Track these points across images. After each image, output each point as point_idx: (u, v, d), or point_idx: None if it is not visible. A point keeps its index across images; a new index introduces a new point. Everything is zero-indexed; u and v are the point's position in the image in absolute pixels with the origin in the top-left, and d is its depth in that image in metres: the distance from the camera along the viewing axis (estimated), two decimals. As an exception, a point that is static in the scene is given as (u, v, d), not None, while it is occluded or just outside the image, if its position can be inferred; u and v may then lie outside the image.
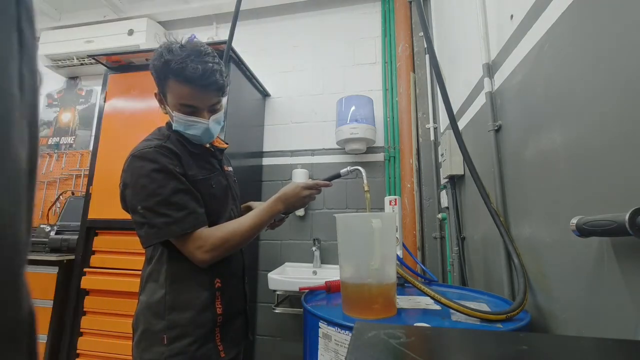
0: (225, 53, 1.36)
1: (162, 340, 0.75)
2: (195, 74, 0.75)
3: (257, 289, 2.01)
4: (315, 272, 1.85)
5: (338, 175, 1.02)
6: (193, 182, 0.81)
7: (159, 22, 2.48)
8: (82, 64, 2.49)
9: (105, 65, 1.88)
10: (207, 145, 0.92)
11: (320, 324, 0.74)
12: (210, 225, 0.81)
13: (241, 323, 0.92)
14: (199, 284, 0.81)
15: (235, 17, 1.31)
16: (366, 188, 0.97)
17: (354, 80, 2.14)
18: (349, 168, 1.01)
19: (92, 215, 1.67)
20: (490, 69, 1.06)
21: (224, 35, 2.35)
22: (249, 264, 1.97)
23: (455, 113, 1.16)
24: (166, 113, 0.86)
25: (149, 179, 0.74)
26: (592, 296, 0.61)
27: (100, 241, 1.66)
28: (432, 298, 0.76)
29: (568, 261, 0.68)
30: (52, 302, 1.66)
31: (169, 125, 0.88)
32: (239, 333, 0.90)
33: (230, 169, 1.02)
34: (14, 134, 0.20)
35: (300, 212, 2.00)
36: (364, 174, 1.00)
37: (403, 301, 0.89)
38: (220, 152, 0.97)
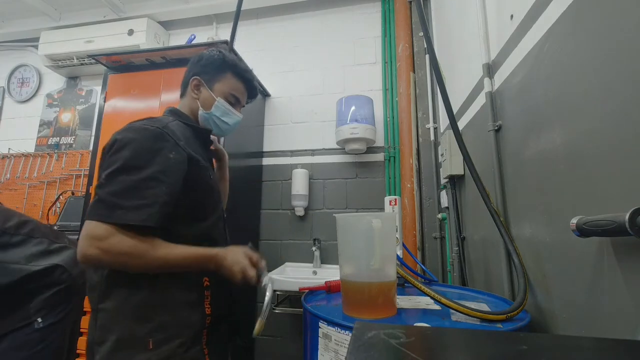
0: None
1: (147, 345, 0.68)
2: (250, 76, 0.98)
3: (257, 289, 2.01)
4: (315, 272, 1.85)
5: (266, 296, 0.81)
6: (197, 167, 0.80)
7: (159, 22, 2.48)
8: (82, 64, 2.49)
9: (105, 65, 1.88)
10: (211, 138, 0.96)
11: (320, 324, 0.74)
12: (202, 219, 0.80)
13: (226, 327, 0.87)
14: (186, 282, 0.76)
15: (236, 17, 1.30)
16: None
17: (354, 80, 2.14)
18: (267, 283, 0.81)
19: (92, 215, 1.67)
20: (490, 69, 1.06)
21: (224, 35, 2.34)
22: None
23: (455, 113, 1.16)
24: (197, 98, 0.92)
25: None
26: (592, 296, 0.61)
27: (100, 241, 1.66)
28: (432, 298, 0.76)
29: (568, 261, 0.68)
30: (52, 302, 1.65)
31: (171, 112, 0.92)
32: (224, 337, 0.86)
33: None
34: None
35: (300, 212, 2.00)
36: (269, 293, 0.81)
37: (403, 301, 0.89)
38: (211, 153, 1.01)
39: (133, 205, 0.66)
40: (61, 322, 0.99)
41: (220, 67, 0.93)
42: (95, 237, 0.65)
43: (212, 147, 0.99)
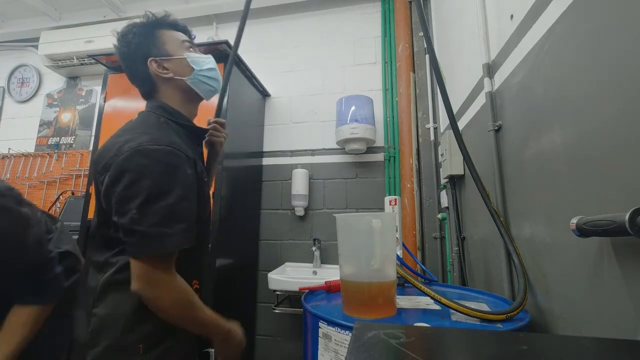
0: (231, 57, 1.31)
1: (138, 350, 0.67)
2: (173, 19, 0.91)
3: (257, 289, 2.01)
4: (315, 272, 1.85)
5: None
6: (199, 179, 0.77)
7: (159, 22, 2.48)
8: (82, 64, 2.49)
9: (105, 65, 1.88)
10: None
11: (320, 324, 0.74)
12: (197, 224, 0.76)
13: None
14: None
15: (243, 19, 1.25)
16: None
17: (354, 80, 2.14)
18: None
19: (92, 215, 1.67)
20: (490, 69, 1.06)
21: (224, 35, 2.34)
22: (249, 264, 1.97)
23: (455, 113, 1.16)
24: (172, 75, 0.82)
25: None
26: (592, 296, 0.61)
27: (100, 241, 1.66)
28: (432, 298, 0.76)
29: (568, 261, 0.68)
30: (52, 302, 1.65)
31: (163, 110, 0.81)
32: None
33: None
34: None
35: (300, 212, 2.00)
36: None
37: (403, 301, 0.89)
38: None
39: (176, 230, 0.67)
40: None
41: (150, 32, 0.84)
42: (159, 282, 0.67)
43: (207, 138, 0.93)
